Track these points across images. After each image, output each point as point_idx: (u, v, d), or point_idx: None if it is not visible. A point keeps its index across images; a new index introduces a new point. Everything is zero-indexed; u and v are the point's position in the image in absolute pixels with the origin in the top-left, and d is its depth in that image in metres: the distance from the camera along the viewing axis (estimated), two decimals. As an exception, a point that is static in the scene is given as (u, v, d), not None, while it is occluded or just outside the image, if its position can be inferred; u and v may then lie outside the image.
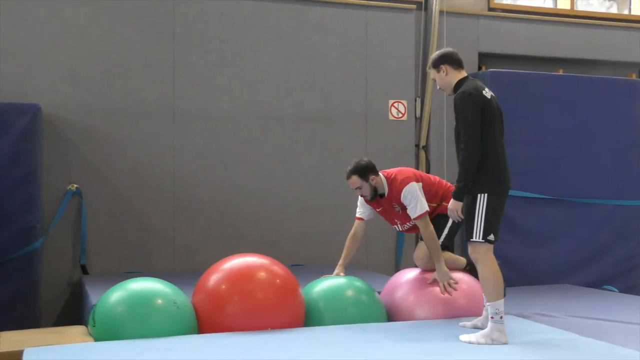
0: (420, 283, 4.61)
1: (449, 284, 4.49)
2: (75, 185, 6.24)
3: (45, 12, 6.23)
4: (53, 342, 3.92)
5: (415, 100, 7.33)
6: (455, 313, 4.46)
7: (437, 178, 4.85)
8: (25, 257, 5.70)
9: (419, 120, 7.35)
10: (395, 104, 7.26)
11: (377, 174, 4.65)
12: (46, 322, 5.95)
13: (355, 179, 4.61)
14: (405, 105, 7.30)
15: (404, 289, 4.63)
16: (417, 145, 7.35)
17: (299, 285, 4.46)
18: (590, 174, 7.21)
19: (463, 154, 3.91)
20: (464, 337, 3.90)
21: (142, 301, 4.05)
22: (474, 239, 3.89)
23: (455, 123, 4.06)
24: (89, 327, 4.19)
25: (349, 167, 4.64)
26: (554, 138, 7.12)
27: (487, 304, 3.91)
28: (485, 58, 7.61)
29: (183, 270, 6.41)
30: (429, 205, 4.59)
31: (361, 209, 4.81)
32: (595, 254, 7.21)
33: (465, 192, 3.90)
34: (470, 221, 3.90)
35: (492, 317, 3.86)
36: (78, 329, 4.35)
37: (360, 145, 7.09)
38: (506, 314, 4.55)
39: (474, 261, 4.05)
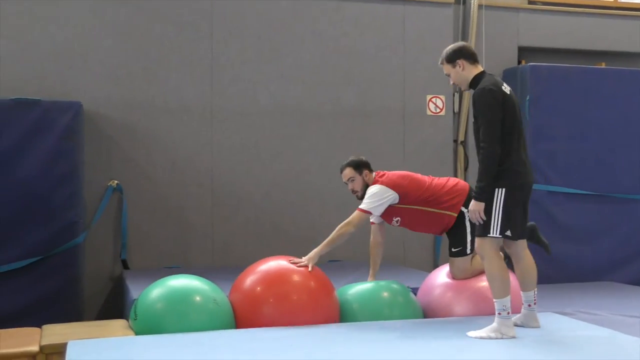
0: (459, 280, 4.56)
1: (300, 264, 4.33)
2: (116, 182, 6.34)
3: (86, 12, 6.34)
4: (95, 335, 3.99)
5: (454, 95, 7.26)
6: (494, 310, 4.40)
7: (442, 183, 4.61)
8: (68, 252, 5.80)
9: (457, 115, 7.29)
10: (433, 99, 7.20)
11: (371, 170, 4.66)
12: (89, 316, 6.07)
13: (348, 170, 4.65)
14: (444, 100, 7.24)
15: (442, 287, 4.58)
16: (455, 141, 7.29)
17: (334, 287, 4.47)
18: (634, 169, 7.05)
19: (483, 153, 3.81)
20: (472, 333, 3.85)
21: (181, 298, 4.11)
22: (491, 235, 3.82)
23: (474, 120, 3.95)
24: (129, 320, 4.26)
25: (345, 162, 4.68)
26: (596, 133, 6.98)
27: (495, 300, 3.86)
28: (525, 52, 7.50)
29: (221, 265, 6.47)
30: (420, 210, 4.50)
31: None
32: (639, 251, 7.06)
33: (488, 192, 3.80)
34: (487, 217, 3.82)
35: (499, 313, 3.83)
36: (119, 323, 4.42)
37: (398, 140, 7.05)
38: (547, 311, 4.53)
39: (480, 257, 3.99)
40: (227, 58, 6.68)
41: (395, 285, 4.58)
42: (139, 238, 6.39)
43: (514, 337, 3.81)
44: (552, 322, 4.29)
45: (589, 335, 3.95)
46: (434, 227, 4.65)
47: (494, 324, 3.85)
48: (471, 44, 7.18)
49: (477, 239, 3.94)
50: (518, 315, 4.12)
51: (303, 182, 6.83)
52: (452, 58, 4.03)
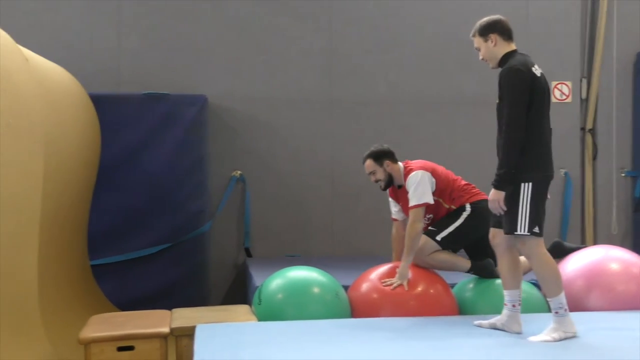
0: (590, 268, 4.34)
1: (397, 285, 4.17)
2: (239, 172, 6.53)
3: (209, 9, 6.56)
4: (221, 319, 4.13)
5: (581, 81, 6.94)
6: (628, 303, 4.18)
7: (458, 178, 4.53)
8: (195, 240, 6.05)
9: (584, 102, 6.97)
10: (559, 86, 6.91)
11: (394, 161, 4.48)
12: (214, 301, 6.30)
13: (369, 162, 4.51)
14: (570, 86, 6.93)
15: (572, 274, 4.36)
16: (582, 129, 6.98)
17: (449, 287, 4.41)
18: None
19: (505, 137, 3.55)
20: (534, 338, 3.59)
21: (300, 291, 4.21)
22: (518, 232, 3.55)
23: (498, 101, 3.69)
24: (252, 306, 4.38)
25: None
26: None
27: (549, 299, 3.61)
28: (660, 34, 7.05)
29: (341, 255, 6.52)
30: (438, 202, 4.37)
31: (394, 209, 4.65)
32: None
33: (508, 180, 3.54)
34: (513, 213, 3.55)
35: (556, 312, 3.58)
36: (243, 308, 4.54)
37: (521, 129, 6.82)
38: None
39: (525, 257, 3.68)
40: (346, 48, 6.71)
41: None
42: (261, 227, 6.56)
43: (575, 334, 3.59)
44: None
45: None
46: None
47: (553, 324, 3.60)
48: (601, 26, 6.84)
49: (517, 239, 3.63)
50: (498, 317, 3.80)
51: (422, 172, 6.74)
52: (485, 31, 3.76)
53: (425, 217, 4.42)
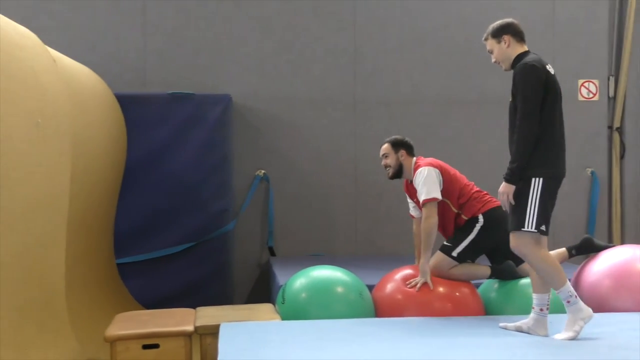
0: (618, 268, 4.27)
1: (421, 284, 4.20)
2: (263, 171, 6.55)
3: (234, 9, 6.59)
4: (245, 318, 4.15)
5: (608, 79, 6.86)
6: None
7: (470, 184, 4.52)
8: (219, 239, 6.08)
9: (612, 100, 6.88)
10: (586, 84, 6.84)
11: (410, 154, 4.56)
12: (238, 300, 6.33)
13: (386, 146, 4.62)
14: (597, 84, 6.86)
15: (599, 274, 4.31)
16: (610, 127, 6.90)
17: (475, 288, 4.39)
18: None
19: (518, 132, 3.54)
20: (559, 336, 3.58)
21: (324, 290, 4.22)
22: (525, 229, 3.52)
23: (511, 99, 3.68)
24: (276, 305, 4.40)
25: None
26: None
27: (557, 291, 3.59)
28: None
29: (365, 254, 6.52)
30: (446, 203, 4.37)
31: (410, 206, 4.66)
32: None
33: (519, 175, 3.54)
34: (521, 208, 3.53)
35: (568, 302, 3.56)
36: (266, 307, 4.57)
37: (547, 128, 6.76)
38: None
39: (520, 256, 3.65)
40: (370, 48, 6.70)
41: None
42: (284, 226, 6.58)
43: (592, 316, 3.58)
44: None
45: None
46: (449, 227, 4.47)
47: (569, 316, 3.59)
48: (629, 25, 6.75)
49: (512, 236, 3.62)
50: (525, 320, 3.76)
51: (446, 171, 6.71)
52: (498, 33, 3.82)
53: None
